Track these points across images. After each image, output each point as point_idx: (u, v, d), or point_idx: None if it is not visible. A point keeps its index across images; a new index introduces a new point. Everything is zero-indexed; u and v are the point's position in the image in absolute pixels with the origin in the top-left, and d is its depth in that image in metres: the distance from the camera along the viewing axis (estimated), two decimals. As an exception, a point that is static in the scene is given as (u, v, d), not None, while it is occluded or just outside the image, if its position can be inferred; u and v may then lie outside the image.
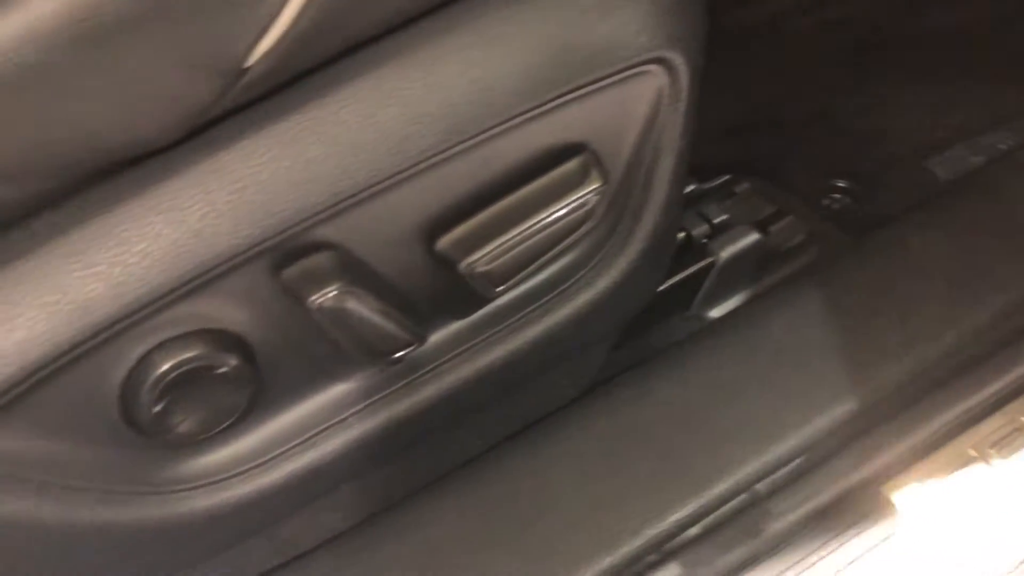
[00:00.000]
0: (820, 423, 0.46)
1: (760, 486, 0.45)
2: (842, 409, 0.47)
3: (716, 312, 0.59)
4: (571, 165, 0.44)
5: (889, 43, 0.92)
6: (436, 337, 0.47)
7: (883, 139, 0.80)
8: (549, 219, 0.43)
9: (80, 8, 0.29)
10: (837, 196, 0.77)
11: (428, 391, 0.47)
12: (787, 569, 0.43)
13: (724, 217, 0.59)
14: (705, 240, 0.58)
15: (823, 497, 0.45)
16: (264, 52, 0.34)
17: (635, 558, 0.43)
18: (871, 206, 0.74)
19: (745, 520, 0.44)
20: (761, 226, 0.60)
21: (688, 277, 0.57)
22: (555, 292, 0.49)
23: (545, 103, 0.41)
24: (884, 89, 0.86)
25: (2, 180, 0.33)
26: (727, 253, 0.58)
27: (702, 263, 0.57)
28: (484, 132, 0.40)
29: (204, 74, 0.34)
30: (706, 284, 0.58)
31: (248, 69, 0.35)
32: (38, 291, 0.34)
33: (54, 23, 0.29)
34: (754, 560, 0.44)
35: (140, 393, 0.38)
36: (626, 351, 0.57)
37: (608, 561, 0.43)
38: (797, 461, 0.46)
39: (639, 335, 0.58)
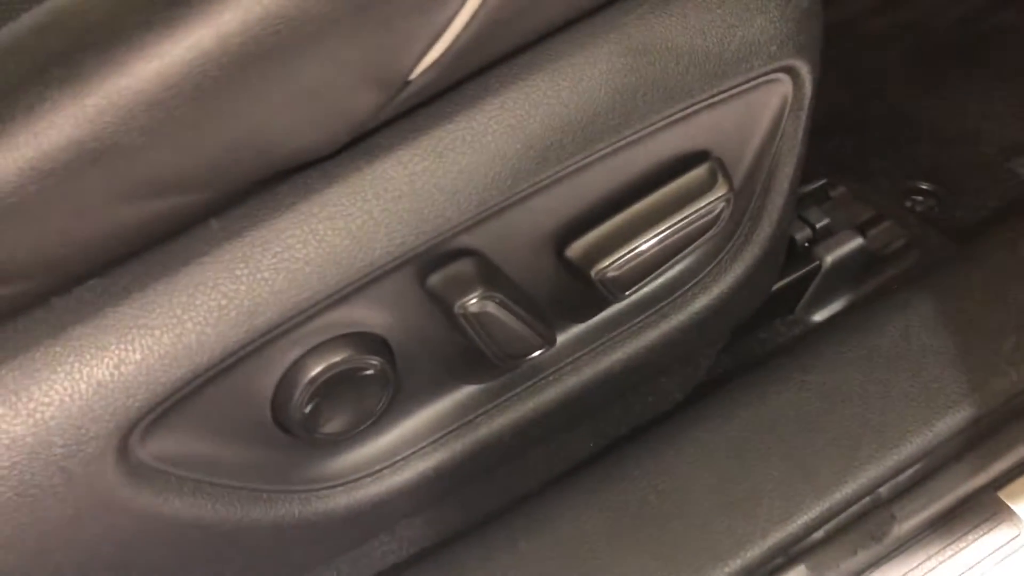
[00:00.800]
0: (939, 428, 0.47)
1: (883, 490, 0.45)
2: (960, 415, 0.47)
3: (819, 316, 0.60)
4: (699, 172, 0.44)
5: (966, 43, 0.91)
6: (560, 340, 0.47)
7: (966, 141, 0.80)
8: (677, 225, 0.43)
9: (265, 23, 0.30)
10: (919, 199, 0.77)
11: (550, 393, 0.48)
12: (909, 572, 0.44)
13: (826, 221, 0.59)
14: (807, 244, 0.59)
15: (944, 502, 0.45)
16: (428, 65, 0.35)
17: (764, 560, 0.44)
18: (955, 209, 0.73)
19: (869, 524, 0.45)
20: (860, 229, 0.60)
21: (793, 281, 0.58)
22: (673, 296, 0.49)
23: (679, 111, 0.42)
24: (966, 89, 0.85)
25: (182, 190, 0.34)
26: (832, 257, 0.58)
27: (808, 267, 0.57)
28: (621, 140, 0.41)
29: (372, 86, 0.35)
30: (811, 288, 0.58)
31: (411, 81, 0.36)
32: (209, 295, 0.35)
33: (241, 37, 0.30)
34: (877, 563, 0.44)
35: (293, 395, 0.39)
36: (730, 355, 0.58)
37: (738, 563, 0.43)
38: (917, 466, 0.46)
39: (743, 338, 0.58)
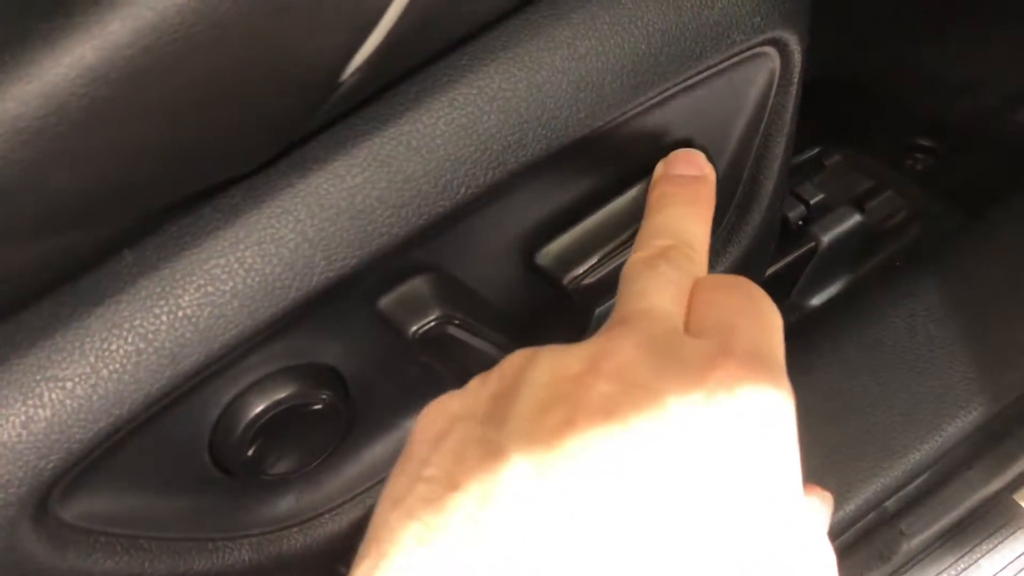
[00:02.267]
0: (949, 432, 0.43)
1: (889, 503, 0.42)
2: (972, 416, 0.43)
3: (817, 300, 0.56)
4: None
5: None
6: (535, 350, 0.43)
7: (967, 91, 0.75)
8: (656, 222, 0.39)
9: (160, 31, 0.26)
10: (920, 156, 0.73)
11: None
12: (922, 589, 0.41)
13: (820, 196, 0.55)
14: (801, 223, 0.54)
15: (956, 512, 0.42)
16: (360, 63, 0.31)
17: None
18: (959, 166, 0.69)
19: (876, 542, 0.41)
20: (858, 202, 0.56)
21: (788, 264, 0.53)
22: (657, 295, 0.45)
23: (652, 98, 0.38)
24: (966, 35, 0.80)
25: (82, 224, 0.30)
26: (829, 237, 0.54)
27: (803, 249, 0.53)
28: (588, 134, 0.36)
29: (297, 90, 0.30)
30: (807, 270, 0.54)
31: (343, 82, 0.31)
32: (126, 339, 0.31)
33: (132, 49, 0.26)
34: (887, 583, 0.41)
35: (232, 437, 0.35)
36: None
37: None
38: (926, 475, 0.43)
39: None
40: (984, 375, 0.44)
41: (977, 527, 0.43)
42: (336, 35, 0.29)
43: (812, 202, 0.55)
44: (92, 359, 0.31)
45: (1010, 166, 0.63)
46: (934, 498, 0.43)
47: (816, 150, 0.59)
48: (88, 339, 0.31)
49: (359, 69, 0.31)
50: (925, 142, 0.75)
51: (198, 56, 0.26)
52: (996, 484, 0.43)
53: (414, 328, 0.36)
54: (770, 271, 0.54)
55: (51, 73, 0.25)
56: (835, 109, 0.78)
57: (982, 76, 0.80)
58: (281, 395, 0.35)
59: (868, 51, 0.85)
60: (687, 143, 0.41)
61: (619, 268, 0.41)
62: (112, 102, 0.26)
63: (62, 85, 0.25)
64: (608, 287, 0.41)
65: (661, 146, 0.41)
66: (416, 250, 0.36)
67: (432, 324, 0.36)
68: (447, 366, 0.38)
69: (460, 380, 0.41)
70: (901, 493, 0.43)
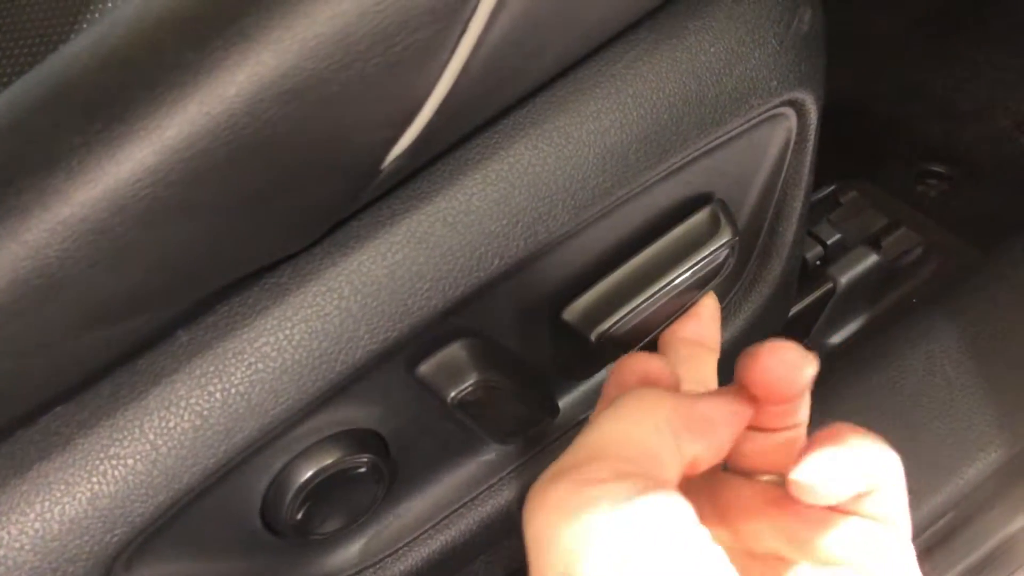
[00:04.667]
0: (970, 475, 0.44)
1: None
2: (993, 457, 0.44)
3: (837, 338, 0.57)
4: (699, 217, 0.41)
5: (974, 7, 0.87)
6: (564, 402, 0.45)
7: (979, 115, 0.76)
8: (680, 278, 0.40)
9: (214, 134, 0.27)
10: (933, 182, 0.73)
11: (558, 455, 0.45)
12: (946, 633, 0.42)
13: (837, 236, 0.56)
14: (819, 262, 0.56)
15: (978, 553, 0.43)
16: (400, 152, 0.32)
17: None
18: (971, 191, 0.70)
19: (899, 585, 0.42)
20: (874, 240, 0.57)
21: (807, 305, 0.55)
22: (681, 344, 0.47)
23: (674, 163, 0.39)
24: (976, 58, 0.81)
25: (143, 310, 0.31)
26: (846, 278, 0.55)
27: (821, 291, 0.55)
28: (614, 201, 0.38)
29: (340, 180, 0.32)
30: (825, 310, 0.56)
31: (383, 170, 0.33)
32: (183, 416, 0.32)
33: (189, 151, 0.27)
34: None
35: (283, 502, 0.37)
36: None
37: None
38: (948, 517, 0.44)
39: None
40: (1003, 416, 0.45)
41: (999, 567, 0.44)
42: (378, 129, 0.31)
43: (829, 242, 0.56)
44: (151, 436, 0.33)
45: (1020, 195, 0.65)
46: (956, 539, 0.44)
47: (831, 188, 0.60)
48: (147, 418, 0.33)
49: (399, 157, 0.33)
50: (938, 168, 0.76)
51: (250, 155, 0.28)
52: (1017, 524, 0.44)
53: (453, 394, 0.37)
54: (791, 312, 0.55)
55: (114, 177, 0.27)
56: (849, 132, 0.79)
57: (992, 101, 0.81)
58: (327, 461, 0.37)
59: (879, 78, 0.86)
60: (709, 197, 0.43)
61: (644, 321, 0.43)
62: (170, 201, 0.28)
63: (124, 188, 0.27)
64: (633, 339, 0.43)
65: (683, 200, 0.43)
66: (452, 317, 0.37)
67: (470, 389, 0.37)
68: (483, 424, 0.40)
69: (495, 437, 0.43)
70: (924, 535, 0.44)
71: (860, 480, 0.29)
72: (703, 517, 0.34)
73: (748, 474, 0.33)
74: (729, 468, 0.34)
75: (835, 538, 0.30)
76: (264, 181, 0.30)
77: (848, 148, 0.73)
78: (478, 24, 0.29)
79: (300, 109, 0.27)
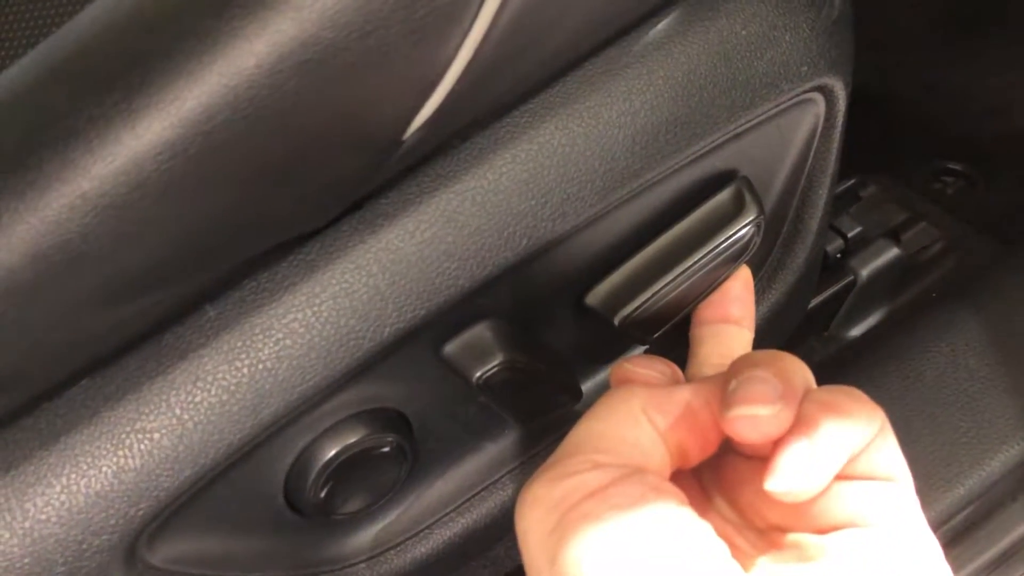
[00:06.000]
0: (993, 466, 0.43)
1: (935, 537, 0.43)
2: (1016, 449, 0.44)
3: (857, 331, 0.57)
4: (724, 195, 0.40)
5: (994, 4, 0.86)
6: (587, 386, 0.45)
7: (998, 113, 0.76)
8: (704, 259, 0.40)
9: (234, 107, 0.27)
10: (950, 179, 0.73)
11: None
12: (969, 624, 0.41)
13: (858, 229, 0.56)
14: (840, 255, 0.56)
15: (1002, 543, 0.42)
16: (422, 123, 0.32)
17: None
18: (988, 189, 0.69)
19: None
20: (894, 234, 0.57)
21: (828, 297, 0.55)
22: (703, 331, 0.46)
23: (703, 146, 0.39)
24: (995, 56, 0.80)
25: (166, 284, 0.31)
26: (867, 271, 0.55)
27: (842, 283, 0.54)
28: (641, 184, 0.38)
29: (362, 152, 0.32)
30: (846, 303, 0.56)
31: (404, 141, 0.33)
32: (210, 391, 0.32)
33: (208, 124, 0.27)
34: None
35: (307, 481, 0.36)
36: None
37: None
38: (970, 508, 0.43)
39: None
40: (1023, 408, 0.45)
41: (1021, 561, 0.44)
42: (399, 99, 0.31)
43: (850, 235, 0.56)
44: (178, 411, 0.32)
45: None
46: (980, 530, 0.44)
47: (852, 181, 0.60)
48: (174, 392, 0.33)
49: (421, 128, 0.32)
50: (955, 165, 0.76)
51: (270, 127, 0.28)
52: (1041, 516, 0.44)
53: (478, 374, 0.37)
54: (811, 305, 0.55)
55: (133, 151, 0.26)
56: (869, 129, 0.79)
57: (1012, 98, 0.80)
58: (351, 440, 0.37)
59: (898, 74, 0.86)
60: (733, 175, 0.42)
61: (670, 303, 0.43)
62: (190, 175, 0.27)
63: (143, 162, 0.26)
64: (660, 321, 0.43)
65: (708, 179, 0.42)
66: (478, 298, 0.37)
67: (495, 370, 0.37)
68: (506, 406, 0.40)
69: (518, 419, 0.42)
70: (947, 526, 0.43)
71: (840, 458, 0.29)
72: (710, 497, 0.34)
73: (748, 455, 0.33)
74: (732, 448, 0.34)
75: (832, 504, 0.30)
76: (285, 152, 0.29)
77: (867, 143, 0.73)
78: None
79: (320, 79, 0.27)
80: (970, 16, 0.85)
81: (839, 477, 0.29)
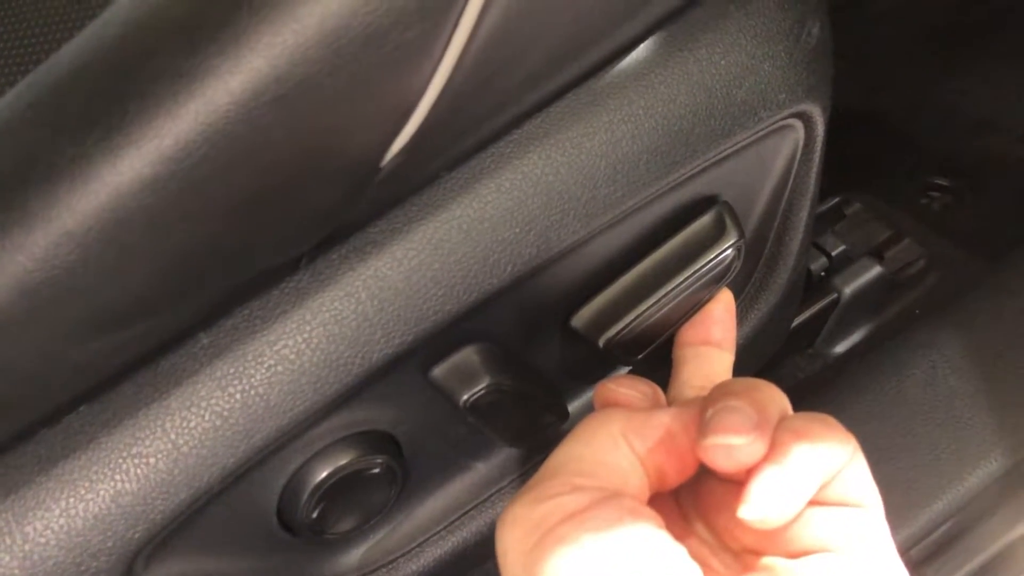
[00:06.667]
0: (972, 481, 0.44)
1: (913, 552, 0.44)
2: (994, 465, 0.45)
3: (841, 348, 0.58)
4: (705, 220, 0.42)
5: (976, 21, 0.88)
6: (573, 407, 0.46)
7: (981, 129, 0.77)
8: (687, 281, 0.41)
9: (211, 141, 0.28)
10: (936, 194, 0.74)
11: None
12: (948, 640, 0.42)
13: (841, 248, 0.57)
14: (824, 274, 0.57)
15: (980, 558, 0.43)
16: (399, 149, 0.33)
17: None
18: (974, 204, 0.70)
19: (902, 590, 0.43)
20: (877, 252, 0.58)
21: (813, 315, 0.56)
22: (688, 350, 0.47)
23: (684, 173, 0.40)
24: (978, 72, 0.81)
25: (154, 314, 0.32)
26: (850, 289, 0.56)
27: (825, 301, 0.55)
28: (624, 210, 0.39)
29: (341, 177, 0.33)
30: (830, 321, 0.56)
31: (383, 167, 0.34)
32: (203, 417, 0.33)
33: (188, 160, 0.28)
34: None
35: (299, 502, 0.37)
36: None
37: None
38: (949, 523, 0.44)
39: (761, 376, 0.56)
40: (1004, 424, 0.46)
41: (1000, 574, 0.45)
42: (374, 127, 0.31)
43: (833, 254, 0.57)
44: (173, 436, 0.33)
45: (1022, 208, 0.65)
46: (958, 545, 0.45)
47: (836, 199, 0.61)
48: (169, 418, 0.34)
49: (398, 154, 0.33)
50: (941, 181, 0.77)
51: (248, 160, 0.29)
52: (1018, 531, 0.45)
53: (465, 397, 0.38)
54: (796, 322, 0.56)
55: (115, 188, 0.27)
56: (853, 145, 0.80)
57: (994, 114, 0.81)
58: (342, 462, 0.38)
59: (883, 90, 0.87)
60: (714, 200, 0.43)
61: (653, 325, 0.44)
62: (171, 209, 0.28)
63: (125, 199, 0.27)
64: (643, 343, 0.44)
65: (689, 204, 0.43)
66: (465, 322, 0.38)
67: (482, 393, 0.38)
68: (494, 427, 0.41)
69: (505, 440, 0.43)
70: (926, 541, 0.44)
71: (812, 484, 0.30)
72: (687, 519, 0.35)
73: (724, 479, 0.34)
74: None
75: (804, 530, 0.30)
76: (263, 184, 0.30)
77: (852, 160, 0.74)
78: (469, 19, 0.29)
79: (295, 112, 0.28)
80: (954, 33, 0.87)
81: (812, 502, 0.30)
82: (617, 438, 0.32)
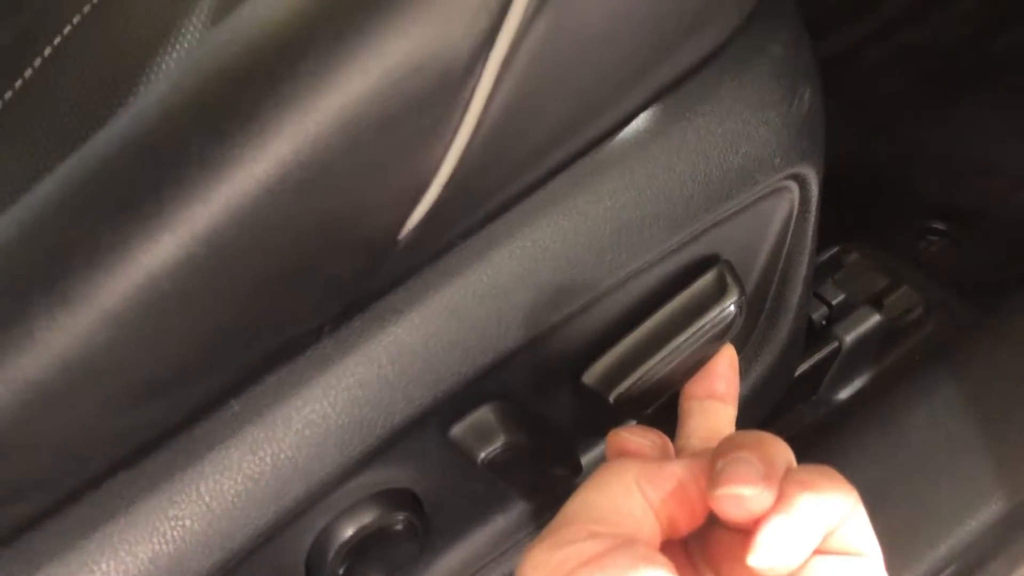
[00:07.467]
0: (972, 526, 0.46)
1: (913, 599, 0.45)
2: (994, 509, 0.46)
3: (844, 393, 0.59)
4: (708, 278, 0.44)
5: (970, 68, 0.90)
6: (586, 458, 0.47)
7: (976, 173, 0.79)
8: (692, 338, 0.43)
9: (242, 224, 0.30)
10: (934, 238, 0.76)
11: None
12: None
13: (841, 297, 0.59)
14: (825, 322, 0.58)
15: (982, 603, 0.45)
16: (415, 224, 0.35)
17: None
18: (971, 248, 0.72)
19: (903, 637, 0.44)
20: (876, 299, 0.60)
21: (815, 363, 0.57)
22: (695, 403, 0.49)
23: (685, 235, 0.42)
24: (973, 117, 0.83)
25: (189, 384, 0.34)
26: (851, 337, 0.57)
27: (827, 350, 0.57)
28: (629, 272, 0.41)
29: (360, 254, 0.35)
30: (832, 368, 0.58)
31: (399, 240, 0.36)
32: (236, 480, 0.35)
33: (224, 236, 0.30)
34: None
35: (326, 559, 0.39)
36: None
37: None
38: (950, 569, 0.45)
39: (768, 424, 0.58)
40: (1003, 469, 0.47)
41: (1003, 614, 0.46)
42: (391, 205, 0.34)
43: (834, 303, 0.59)
44: (207, 499, 0.35)
45: (1019, 253, 0.67)
46: (960, 590, 0.46)
47: (835, 249, 0.63)
48: (203, 481, 0.35)
49: (414, 228, 0.35)
50: (938, 225, 0.79)
51: (273, 239, 0.31)
52: (1019, 573, 0.46)
53: (483, 455, 0.40)
54: (799, 371, 0.58)
55: (150, 270, 0.29)
56: (851, 191, 0.82)
57: (987, 159, 0.83)
58: (367, 520, 0.39)
59: (880, 137, 0.89)
60: (715, 259, 0.45)
61: (661, 380, 0.46)
62: (203, 287, 0.31)
63: (160, 280, 0.29)
64: (652, 397, 0.46)
65: (692, 264, 0.45)
66: (481, 382, 0.40)
67: (499, 450, 0.40)
68: (511, 482, 0.42)
69: (522, 494, 0.45)
70: (927, 587, 0.46)
71: (817, 534, 0.31)
72: (696, 567, 0.37)
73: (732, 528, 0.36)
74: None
75: None
76: (287, 260, 0.32)
77: (851, 206, 0.76)
78: (478, 104, 0.32)
79: (316, 195, 0.30)
80: (948, 80, 0.89)
81: (815, 551, 0.32)
82: (631, 487, 0.34)
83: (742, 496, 0.31)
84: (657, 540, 0.34)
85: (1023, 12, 0.92)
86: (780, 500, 0.31)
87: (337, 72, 0.30)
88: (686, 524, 0.35)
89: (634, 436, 0.40)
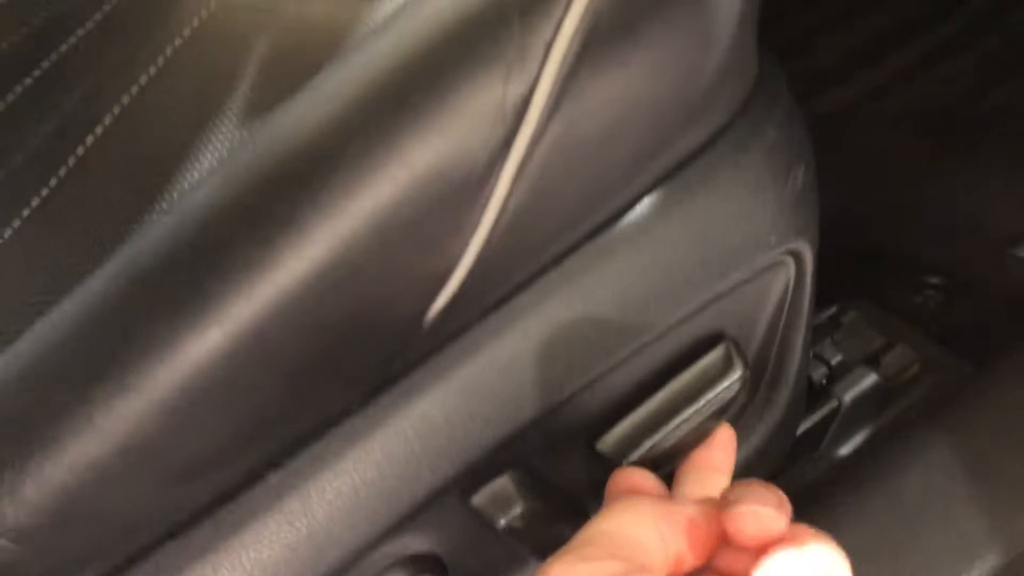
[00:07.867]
0: (970, 580, 0.48)
1: (914, 655, 0.47)
2: (989, 564, 0.48)
3: (845, 449, 0.62)
4: (714, 355, 0.46)
5: (963, 126, 0.93)
6: (598, 521, 0.50)
7: (970, 229, 0.81)
8: (699, 411, 0.46)
9: (285, 316, 0.34)
10: (931, 292, 0.78)
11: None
12: None
13: (840, 357, 0.62)
14: (824, 382, 0.61)
15: (981, 653, 0.47)
16: (438, 310, 0.38)
17: None
18: (966, 303, 0.75)
19: None
20: (874, 358, 0.63)
21: (815, 424, 0.60)
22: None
23: (687, 311, 0.45)
24: (966, 175, 0.86)
25: (227, 463, 0.37)
26: (850, 396, 0.60)
27: (827, 409, 0.60)
28: (635, 347, 0.44)
29: (388, 339, 0.38)
30: (832, 426, 0.61)
31: (424, 326, 0.39)
32: (275, 549, 0.38)
33: (270, 323, 0.33)
34: None
35: (359, 624, 0.42)
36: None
37: None
38: (950, 623, 0.48)
39: (771, 479, 0.60)
40: (997, 524, 0.49)
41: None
42: (416, 295, 0.37)
43: (833, 363, 0.61)
44: (248, 567, 0.38)
45: (1015, 310, 0.70)
46: (958, 643, 0.48)
47: (833, 309, 0.66)
48: (244, 551, 0.38)
49: (438, 315, 0.39)
50: (934, 280, 0.81)
51: (307, 332, 0.35)
52: (1014, 626, 0.48)
53: (503, 521, 0.42)
54: (800, 430, 0.60)
55: (197, 361, 0.33)
56: (849, 249, 0.85)
57: (981, 216, 0.86)
58: (408, 586, 0.42)
59: (875, 193, 0.92)
60: (721, 336, 0.48)
61: (672, 447, 0.48)
62: (245, 375, 0.34)
63: (207, 370, 0.33)
64: (659, 465, 0.48)
65: (697, 340, 0.48)
66: (500, 452, 0.43)
67: (518, 516, 0.42)
68: (530, 545, 0.45)
69: (541, 556, 0.47)
70: (926, 642, 0.48)
71: (820, 572, 0.33)
72: None
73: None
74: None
75: None
76: (322, 348, 0.36)
77: (849, 262, 0.79)
78: (496, 202, 0.35)
79: (347, 290, 0.34)
80: (944, 137, 0.92)
81: None
82: (648, 521, 0.37)
83: (760, 512, 0.33)
84: (664, 575, 0.37)
85: (1012, 72, 0.96)
86: (789, 536, 0.34)
87: (368, 180, 0.33)
88: (690, 564, 0.37)
89: (644, 475, 0.43)
